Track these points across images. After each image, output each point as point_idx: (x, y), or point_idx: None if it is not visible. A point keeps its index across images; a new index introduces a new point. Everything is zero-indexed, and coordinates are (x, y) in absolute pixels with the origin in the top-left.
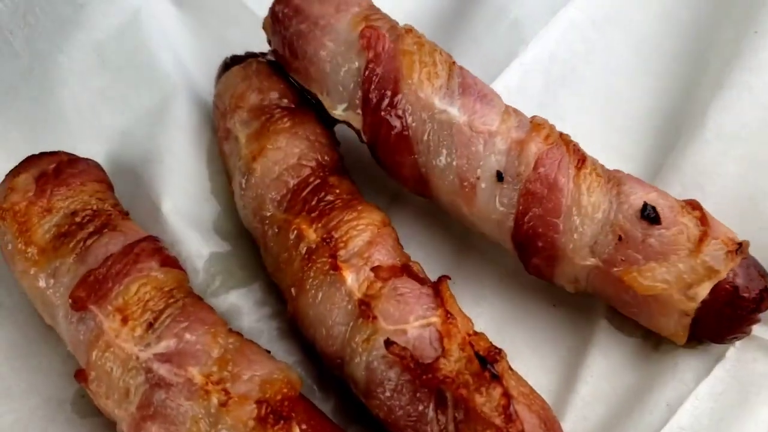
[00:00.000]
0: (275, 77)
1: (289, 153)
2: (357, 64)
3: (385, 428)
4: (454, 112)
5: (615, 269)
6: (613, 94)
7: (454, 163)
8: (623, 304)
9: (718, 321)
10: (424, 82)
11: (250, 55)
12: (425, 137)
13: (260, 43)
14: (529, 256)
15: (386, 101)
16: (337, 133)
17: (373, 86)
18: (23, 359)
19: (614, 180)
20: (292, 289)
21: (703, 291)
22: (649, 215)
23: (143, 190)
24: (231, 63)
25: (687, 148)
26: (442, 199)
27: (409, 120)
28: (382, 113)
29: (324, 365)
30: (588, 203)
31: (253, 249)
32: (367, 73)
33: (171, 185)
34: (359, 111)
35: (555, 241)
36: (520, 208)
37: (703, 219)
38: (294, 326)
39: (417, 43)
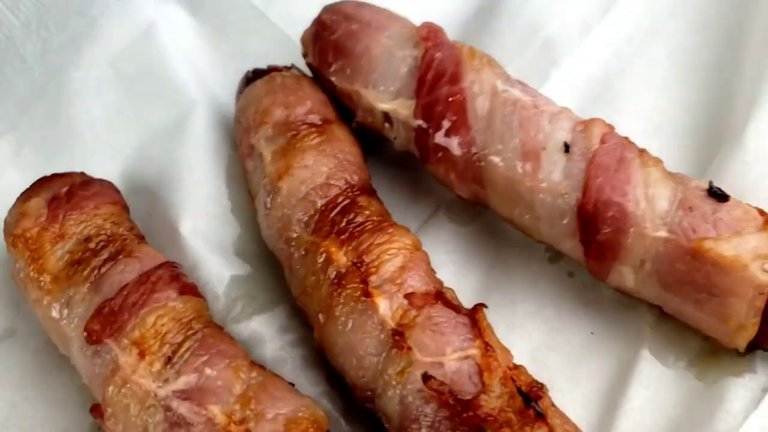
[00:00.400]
0: (301, 92)
1: (317, 172)
2: (413, 53)
3: None
4: (517, 93)
5: (688, 240)
6: (650, 110)
7: (517, 138)
8: (689, 290)
9: None
10: (486, 67)
11: (273, 69)
12: (486, 112)
13: (280, 55)
14: (596, 230)
15: (446, 78)
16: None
17: (432, 68)
18: (37, 388)
19: (673, 174)
20: (320, 316)
21: None
22: (716, 192)
23: (160, 210)
24: (253, 77)
25: (724, 168)
26: (497, 180)
27: (469, 94)
28: (442, 90)
29: (353, 397)
30: (657, 178)
31: (276, 271)
32: (426, 57)
33: (190, 205)
34: (411, 97)
35: (626, 208)
36: (590, 176)
37: (762, 211)
38: (319, 354)
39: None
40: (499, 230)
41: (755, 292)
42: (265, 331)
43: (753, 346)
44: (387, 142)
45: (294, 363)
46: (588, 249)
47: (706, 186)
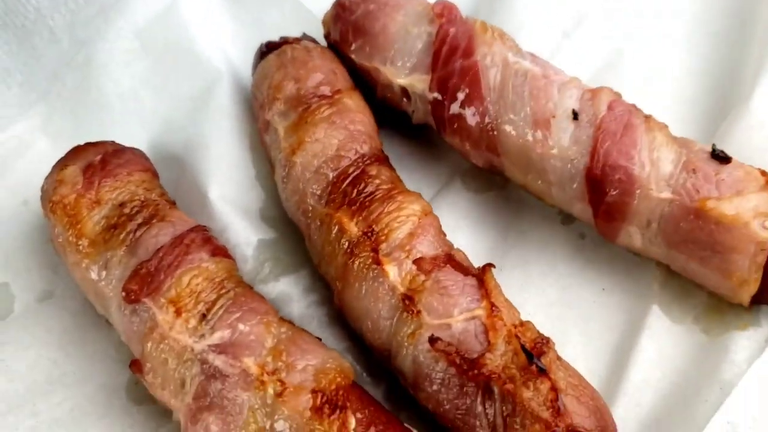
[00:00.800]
0: (311, 64)
1: (327, 145)
2: (428, 29)
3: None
4: (528, 64)
5: (692, 201)
6: (660, 76)
7: (528, 107)
8: (694, 248)
9: None
10: (497, 40)
11: (285, 41)
12: (498, 83)
13: (301, 26)
14: (603, 193)
15: (459, 52)
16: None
17: (446, 43)
18: (76, 346)
19: (678, 138)
20: (337, 283)
21: None
22: (719, 155)
23: (188, 177)
24: (267, 50)
25: (730, 133)
26: (510, 148)
27: (481, 67)
28: (456, 64)
29: (373, 359)
30: (662, 142)
31: (299, 236)
32: (440, 33)
33: (217, 172)
34: (426, 72)
35: (632, 171)
36: (597, 142)
37: (764, 172)
38: (343, 317)
39: None
40: (513, 197)
41: (756, 249)
42: (291, 291)
43: (756, 301)
44: (406, 115)
45: (320, 320)
46: (597, 211)
47: (709, 149)
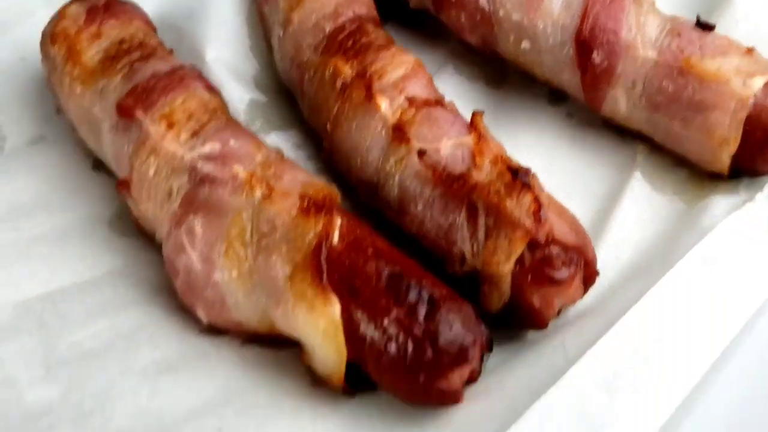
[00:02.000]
0: None
1: (326, 3)
2: None
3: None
4: None
5: (676, 60)
6: None
7: None
8: (677, 108)
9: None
10: None
11: None
12: None
13: None
14: (591, 54)
15: None
16: None
17: None
18: (63, 181)
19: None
20: (328, 125)
21: (759, 82)
22: (704, 24)
23: (187, 43)
24: None
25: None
26: (504, 17)
27: None
28: None
29: (359, 198)
30: (649, 10)
31: (290, 104)
32: None
33: (215, 38)
34: None
35: (619, 33)
36: (588, 6)
37: (748, 48)
38: (330, 168)
39: None
40: (505, 84)
41: (737, 105)
42: (281, 145)
43: (736, 168)
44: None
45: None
46: (584, 75)
47: (694, 19)
